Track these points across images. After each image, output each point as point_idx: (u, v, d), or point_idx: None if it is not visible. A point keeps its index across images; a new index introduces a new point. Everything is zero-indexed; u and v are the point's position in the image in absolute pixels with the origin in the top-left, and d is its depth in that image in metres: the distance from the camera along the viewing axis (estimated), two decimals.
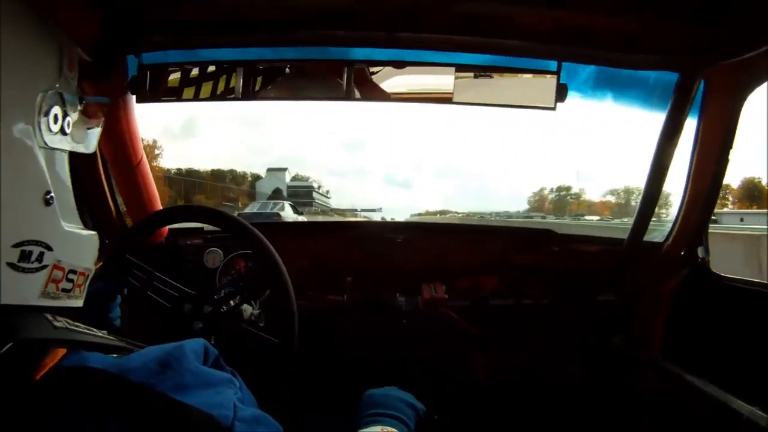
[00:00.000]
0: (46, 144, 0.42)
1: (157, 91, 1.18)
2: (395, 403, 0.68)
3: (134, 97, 1.19)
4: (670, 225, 1.31)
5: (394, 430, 0.63)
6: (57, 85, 0.43)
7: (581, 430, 1.41)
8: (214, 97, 1.20)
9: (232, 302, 1.03)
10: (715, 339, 1.14)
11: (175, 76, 1.19)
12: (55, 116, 0.43)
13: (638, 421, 1.35)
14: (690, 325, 1.25)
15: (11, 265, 0.39)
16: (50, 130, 0.42)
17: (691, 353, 1.19)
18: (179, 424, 0.38)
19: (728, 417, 0.96)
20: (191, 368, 0.42)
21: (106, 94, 1.13)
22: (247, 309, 1.06)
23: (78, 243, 0.47)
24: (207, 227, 1.33)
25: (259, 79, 1.19)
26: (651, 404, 1.31)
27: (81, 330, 0.45)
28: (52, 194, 0.42)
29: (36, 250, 0.41)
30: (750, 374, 1.01)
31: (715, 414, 1.01)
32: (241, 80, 1.17)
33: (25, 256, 0.40)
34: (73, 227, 0.46)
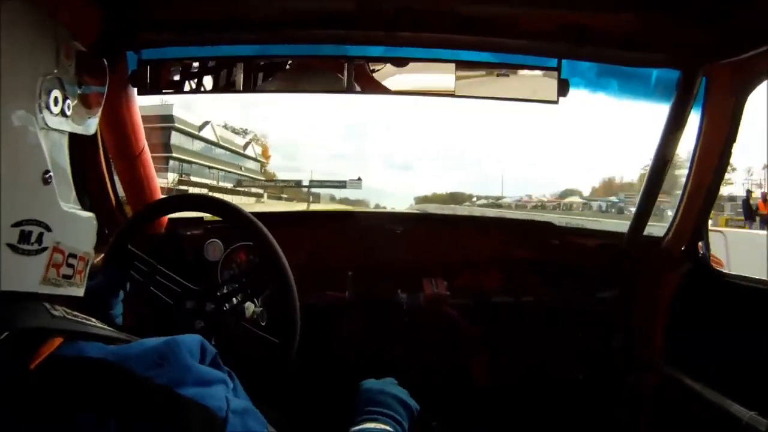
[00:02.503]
0: (47, 125, 0.43)
1: (158, 85, 1.18)
2: (390, 402, 0.70)
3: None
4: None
5: (388, 428, 0.65)
6: (55, 71, 0.44)
7: (580, 430, 1.40)
8: (215, 89, 1.21)
9: (234, 300, 1.03)
10: (715, 336, 1.14)
11: (176, 70, 1.19)
12: (56, 99, 0.44)
13: (637, 422, 1.34)
14: (690, 322, 1.24)
15: (11, 246, 0.40)
16: (51, 112, 0.44)
17: (691, 351, 1.19)
18: (177, 416, 0.38)
19: (727, 422, 0.96)
20: (186, 364, 0.42)
21: (107, 86, 1.14)
22: (250, 307, 1.05)
23: (77, 224, 0.47)
24: (207, 217, 1.33)
25: (260, 73, 1.19)
26: (650, 405, 1.31)
27: (79, 320, 0.45)
28: (51, 173, 0.43)
29: (35, 231, 0.41)
30: (750, 375, 1.01)
31: (714, 419, 1.01)
32: (242, 74, 1.17)
33: (24, 237, 0.41)
34: (72, 207, 0.47)
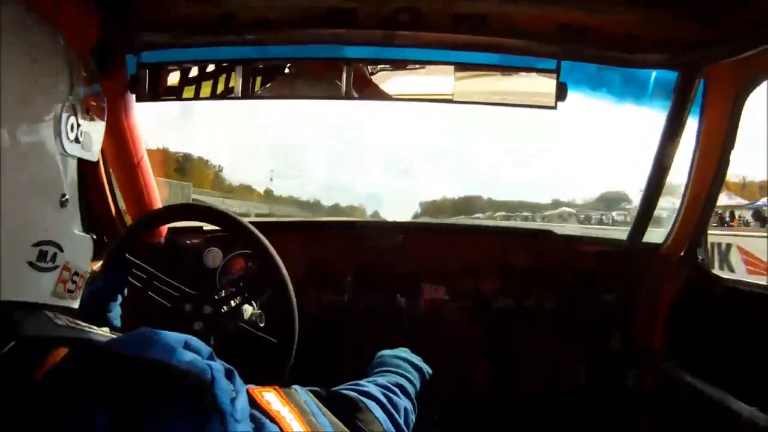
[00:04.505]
0: (65, 151, 0.45)
1: (156, 91, 1.18)
2: (402, 363, 0.78)
3: (134, 96, 1.19)
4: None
5: (399, 380, 0.72)
6: (71, 97, 0.46)
7: (581, 431, 1.40)
8: (213, 96, 1.20)
9: (233, 302, 1.03)
10: (715, 340, 1.14)
11: (174, 75, 1.19)
12: (71, 125, 0.46)
13: (638, 423, 1.35)
14: (690, 326, 1.25)
15: (31, 264, 0.42)
16: (68, 138, 0.46)
17: (691, 355, 1.20)
18: (166, 382, 0.39)
19: (728, 418, 0.97)
20: (173, 345, 0.43)
21: (105, 94, 1.14)
22: (248, 309, 1.05)
23: (81, 245, 0.49)
24: (206, 226, 1.32)
25: (259, 77, 1.19)
26: (651, 406, 1.32)
27: (82, 327, 0.46)
28: (67, 197, 0.46)
29: (51, 251, 0.44)
30: (750, 375, 1.02)
31: (715, 415, 1.02)
32: (241, 79, 1.17)
33: (42, 256, 0.43)
34: (78, 229, 0.49)
